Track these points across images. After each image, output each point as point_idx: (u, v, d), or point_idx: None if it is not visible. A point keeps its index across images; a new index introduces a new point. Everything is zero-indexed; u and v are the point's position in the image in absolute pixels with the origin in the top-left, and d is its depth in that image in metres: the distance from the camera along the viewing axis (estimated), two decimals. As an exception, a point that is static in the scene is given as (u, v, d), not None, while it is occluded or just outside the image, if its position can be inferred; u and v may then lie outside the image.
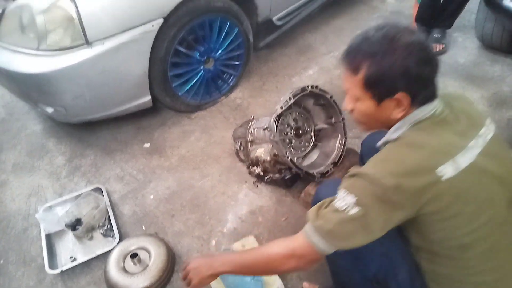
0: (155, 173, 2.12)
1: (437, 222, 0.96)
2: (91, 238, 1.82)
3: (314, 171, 1.82)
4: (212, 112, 2.50)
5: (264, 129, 1.89)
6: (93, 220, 1.84)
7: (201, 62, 2.26)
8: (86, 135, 2.37)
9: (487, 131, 1.03)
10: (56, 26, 1.75)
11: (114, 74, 1.93)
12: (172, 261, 1.66)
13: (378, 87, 1.00)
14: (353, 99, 1.08)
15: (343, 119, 1.92)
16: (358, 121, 1.15)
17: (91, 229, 1.85)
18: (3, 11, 1.87)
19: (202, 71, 2.30)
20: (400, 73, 0.95)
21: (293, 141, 1.93)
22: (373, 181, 0.92)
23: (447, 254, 1.00)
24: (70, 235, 1.82)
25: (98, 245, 1.79)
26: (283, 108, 1.73)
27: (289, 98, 1.74)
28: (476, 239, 0.96)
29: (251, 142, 2.00)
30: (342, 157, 1.92)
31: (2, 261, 1.77)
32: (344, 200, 0.95)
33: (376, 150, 1.05)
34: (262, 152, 1.92)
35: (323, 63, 2.82)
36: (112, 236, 1.79)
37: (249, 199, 1.96)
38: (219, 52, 2.30)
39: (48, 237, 1.79)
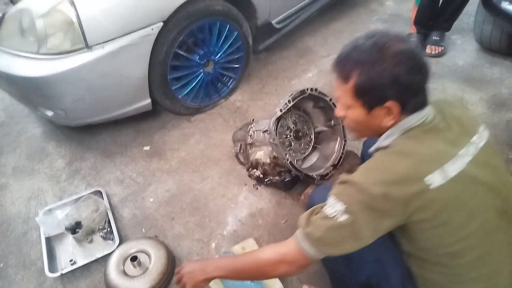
0: (155, 176, 2.12)
1: (426, 230, 0.96)
2: (91, 241, 1.82)
3: (314, 174, 1.82)
4: (211, 115, 2.50)
5: (264, 131, 1.89)
6: (93, 223, 1.84)
7: (200, 65, 2.26)
8: (86, 138, 2.37)
9: (480, 139, 1.02)
10: (56, 30, 1.76)
11: (114, 78, 1.93)
12: (172, 264, 1.66)
13: (368, 96, 1.01)
14: (344, 107, 1.08)
15: (342, 121, 1.93)
16: (350, 128, 1.15)
17: (91, 232, 1.85)
18: (3, 15, 1.87)
19: (202, 74, 2.30)
20: (390, 81, 0.95)
21: (292, 143, 1.93)
22: (361, 189, 0.93)
23: (437, 261, 1.01)
24: (70, 238, 1.82)
25: (98, 248, 1.79)
26: (283, 111, 1.74)
27: (289, 101, 1.74)
28: (466, 247, 0.96)
29: (251, 144, 2.00)
30: (341, 159, 1.92)
31: (2, 265, 1.77)
32: (334, 207, 0.95)
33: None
34: (261, 154, 1.92)
35: (322, 66, 2.83)
36: (112, 239, 1.79)
37: (249, 201, 1.96)
38: (219, 55, 2.31)
39: (48, 240, 1.79)
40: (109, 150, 2.30)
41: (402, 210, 0.92)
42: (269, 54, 2.98)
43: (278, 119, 1.75)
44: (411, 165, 0.92)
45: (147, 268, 1.57)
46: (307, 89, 1.78)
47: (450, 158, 0.94)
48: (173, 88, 2.21)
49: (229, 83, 2.56)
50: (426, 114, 1.00)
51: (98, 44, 1.78)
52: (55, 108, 1.95)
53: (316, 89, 1.82)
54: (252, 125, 2.03)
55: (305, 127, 1.98)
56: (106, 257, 1.68)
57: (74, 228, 1.82)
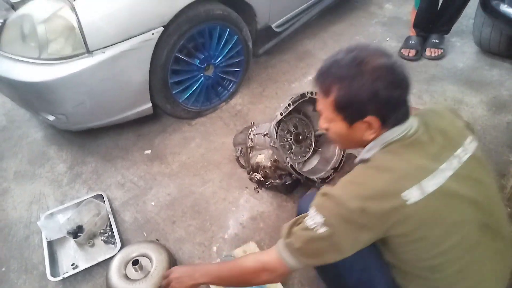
0: (156, 180, 2.13)
1: (405, 244, 0.97)
2: (93, 245, 1.83)
3: (315, 177, 1.83)
4: (212, 119, 2.51)
5: (264, 135, 1.90)
6: (95, 227, 1.84)
7: (201, 69, 2.27)
8: (87, 143, 2.38)
9: (464, 152, 1.01)
10: (57, 35, 1.77)
11: (115, 82, 1.94)
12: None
13: (348, 110, 1.01)
14: (327, 120, 1.09)
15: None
16: (333, 140, 1.16)
17: (93, 236, 1.85)
18: (5, 21, 1.88)
19: (202, 78, 2.31)
20: (369, 97, 0.95)
21: (293, 147, 1.94)
22: (339, 203, 0.94)
23: (418, 274, 1.02)
24: (71, 242, 1.83)
25: (100, 252, 1.79)
26: (283, 115, 1.74)
27: (289, 105, 1.75)
28: (445, 261, 0.96)
29: (252, 148, 2.01)
30: (342, 162, 1.93)
31: (4, 269, 1.77)
32: (314, 219, 0.96)
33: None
34: (262, 158, 1.93)
35: (322, 69, 2.83)
36: (114, 243, 1.80)
37: (250, 205, 1.96)
38: (219, 59, 2.32)
39: (50, 244, 1.80)
40: (110, 154, 2.31)
41: (380, 224, 0.92)
42: (269, 58, 2.99)
43: (279, 122, 1.76)
44: (388, 180, 0.93)
45: (149, 272, 1.57)
46: (307, 93, 1.79)
47: (429, 173, 0.94)
48: (173, 92, 2.22)
49: (230, 86, 2.57)
50: (407, 127, 1.00)
51: (99, 49, 1.79)
52: (56, 112, 1.96)
53: (316, 93, 1.82)
54: (252, 129, 2.04)
55: (305, 130, 1.98)
56: (108, 261, 1.68)
57: (76, 232, 1.83)
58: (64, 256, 1.79)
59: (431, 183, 0.93)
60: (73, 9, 1.71)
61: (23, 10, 1.84)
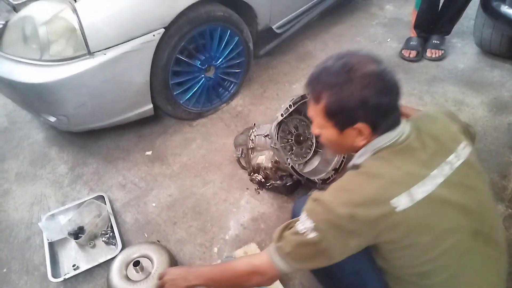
0: (157, 181, 2.13)
1: (395, 250, 0.97)
2: (94, 246, 1.83)
3: (316, 178, 1.83)
4: (213, 120, 2.51)
5: (265, 136, 1.90)
6: (96, 228, 1.85)
7: (202, 71, 2.28)
8: (88, 144, 2.39)
9: (457, 158, 1.01)
10: (59, 37, 1.77)
11: (116, 84, 1.95)
12: (174, 268, 1.66)
13: (338, 117, 1.01)
14: (318, 126, 1.09)
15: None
16: (325, 146, 1.16)
17: (94, 237, 1.86)
18: (6, 22, 1.89)
19: (203, 79, 2.32)
20: (358, 104, 0.95)
21: (294, 148, 1.94)
22: (328, 210, 0.94)
23: (408, 280, 1.02)
24: (72, 243, 1.83)
25: (101, 253, 1.80)
26: (284, 116, 1.74)
27: (290, 106, 1.75)
28: (436, 268, 0.96)
29: (252, 149, 2.01)
30: (343, 163, 1.93)
31: (5, 270, 1.78)
32: (304, 224, 0.97)
33: None
34: (263, 159, 1.93)
35: (323, 70, 2.83)
36: (115, 244, 1.80)
37: (250, 206, 1.96)
38: (220, 60, 2.32)
39: (51, 245, 1.80)
40: (111, 155, 2.31)
41: (369, 231, 0.93)
42: (270, 59, 3.00)
43: (279, 123, 1.76)
44: (377, 187, 0.93)
45: (150, 273, 1.57)
46: (308, 94, 1.79)
47: (419, 180, 0.93)
48: (174, 94, 2.22)
49: (230, 88, 2.57)
50: (398, 133, 1.00)
51: (100, 50, 1.80)
52: (58, 114, 1.96)
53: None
54: (253, 130, 2.04)
55: (306, 132, 1.99)
56: (109, 262, 1.68)
57: (77, 233, 1.83)
58: (65, 257, 1.79)
59: (421, 190, 0.92)
60: (75, 10, 1.72)
61: (24, 11, 1.84)
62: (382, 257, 1.03)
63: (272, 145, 1.75)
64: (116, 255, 1.67)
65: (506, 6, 2.30)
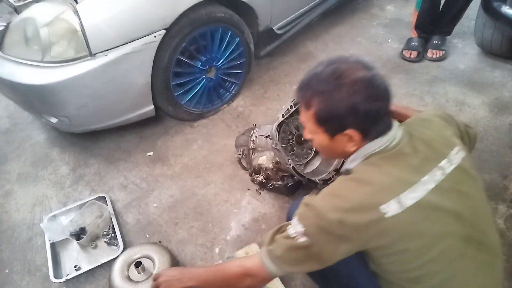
0: (158, 182, 2.14)
1: (385, 256, 0.97)
2: (95, 246, 1.83)
3: (316, 178, 1.83)
4: (214, 121, 2.52)
5: (266, 137, 1.90)
6: (97, 229, 1.85)
7: (203, 71, 2.28)
8: (90, 145, 2.39)
9: (449, 163, 1.00)
10: (60, 38, 1.78)
11: (117, 85, 1.95)
12: (175, 269, 1.66)
13: (328, 124, 1.01)
14: (310, 131, 1.09)
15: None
16: (318, 151, 1.17)
17: (95, 238, 1.86)
18: (8, 24, 1.90)
19: (204, 80, 2.32)
20: (347, 111, 0.95)
21: (295, 148, 1.94)
22: (318, 214, 0.94)
23: (400, 284, 1.02)
24: (74, 244, 1.83)
25: (102, 254, 1.80)
26: (285, 116, 1.75)
27: (291, 106, 1.75)
28: (426, 274, 0.95)
29: (253, 150, 2.01)
30: (344, 164, 1.92)
31: (7, 271, 1.78)
32: (295, 228, 0.98)
33: None
34: (264, 159, 1.93)
35: (324, 71, 2.83)
36: (116, 245, 1.80)
37: (252, 206, 1.97)
38: (221, 61, 2.33)
39: (53, 246, 1.81)
40: (112, 156, 2.31)
41: (358, 236, 0.93)
42: (271, 60, 3.00)
43: (280, 124, 1.76)
44: (367, 193, 0.93)
45: (151, 274, 1.57)
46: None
47: (409, 186, 0.93)
48: (176, 94, 2.23)
49: (231, 88, 2.58)
50: (389, 139, 0.99)
51: (102, 51, 1.80)
52: (59, 115, 1.97)
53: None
54: (254, 130, 2.04)
55: (307, 132, 1.98)
56: (110, 262, 1.69)
57: (79, 234, 1.83)
58: (67, 258, 1.80)
59: (411, 196, 0.92)
60: (76, 12, 1.73)
61: (26, 13, 1.85)
62: (374, 262, 1.03)
63: (273, 145, 1.75)
64: (118, 256, 1.68)
65: (507, 7, 2.30)
